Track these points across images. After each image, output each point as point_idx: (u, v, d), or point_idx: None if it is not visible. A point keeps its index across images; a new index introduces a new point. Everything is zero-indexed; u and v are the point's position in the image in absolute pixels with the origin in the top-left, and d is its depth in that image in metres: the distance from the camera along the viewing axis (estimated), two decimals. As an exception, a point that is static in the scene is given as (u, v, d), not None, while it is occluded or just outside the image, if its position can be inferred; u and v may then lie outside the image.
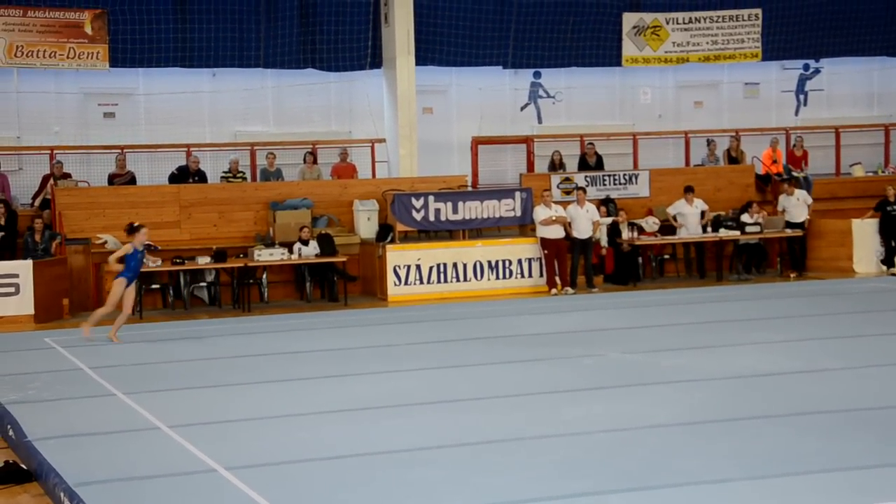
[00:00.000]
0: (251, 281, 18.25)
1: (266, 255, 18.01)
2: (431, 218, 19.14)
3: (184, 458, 8.42)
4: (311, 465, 8.13)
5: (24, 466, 8.50)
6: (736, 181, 21.80)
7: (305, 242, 18.41)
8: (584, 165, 21.96)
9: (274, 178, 20.53)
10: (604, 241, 19.58)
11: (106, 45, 20.51)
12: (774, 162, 22.37)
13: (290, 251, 18.26)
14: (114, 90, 21.45)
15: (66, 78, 21.02)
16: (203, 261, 17.79)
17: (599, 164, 22.00)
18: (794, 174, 21.80)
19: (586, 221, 19.03)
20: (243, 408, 10.22)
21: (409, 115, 21.51)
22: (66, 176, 19.54)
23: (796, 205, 20.28)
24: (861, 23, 23.97)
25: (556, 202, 19.35)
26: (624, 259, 19.63)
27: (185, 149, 20.71)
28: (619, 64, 23.40)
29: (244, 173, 20.70)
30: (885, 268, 19.69)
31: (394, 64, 21.50)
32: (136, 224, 14.45)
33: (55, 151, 20.05)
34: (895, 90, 24.62)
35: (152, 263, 17.34)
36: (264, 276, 18.45)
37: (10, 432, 9.52)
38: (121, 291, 14.00)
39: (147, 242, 14.45)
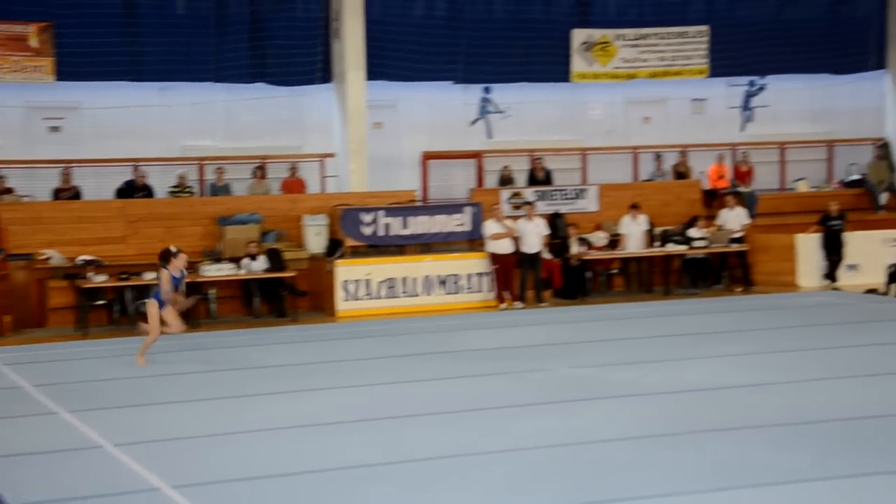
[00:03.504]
0: (199, 296, 18.09)
1: (214, 271, 17.87)
2: (381, 233, 19.11)
3: (127, 476, 8.31)
4: (260, 483, 8.06)
5: (-36, 487, 8.33)
6: (683, 196, 22.01)
7: (254, 257, 18.29)
8: (533, 180, 22.06)
9: (222, 193, 20.38)
10: (548, 254, 19.58)
11: (52, 58, 20.27)
12: (721, 177, 22.62)
13: (239, 266, 18.13)
14: (60, 104, 21.18)
15: (9, 91, 20.73)
16: (150, 276, 17.60)
17: (548, 179, 22.12)
18: (740, 189, 22.05)
19: (535, 236, 19.10)
20: (191, 425, 10.11)
21: (359, 130, 21.47)
22: (9, 191, 19.27)
23: (734, 220, 20.55)
24: (805, 41, 24.29)
25: (506, 217, 19.40)
26: (572, 274, 19.72)
27: (133, 163, 20.51)
28: (568, 79, 23.54)
29: (192, 188, 20.53)
30: (827, 282, 19.94)
31: (344, 79, 21.46)
32: (172, 249, 13.86)
33: (-1, 166, 19.77)
34: (838, 107, 24.96)
35: (96, 278, 17.15)
36: (212, 291, 18.29)
37: (-50, 452, 9.33)
38: (157, 313, 13.48)
39: (183, 268, 13.73)
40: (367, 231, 19.05)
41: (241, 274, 18.13)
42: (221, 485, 8.00)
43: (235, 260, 18.26)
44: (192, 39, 21.15)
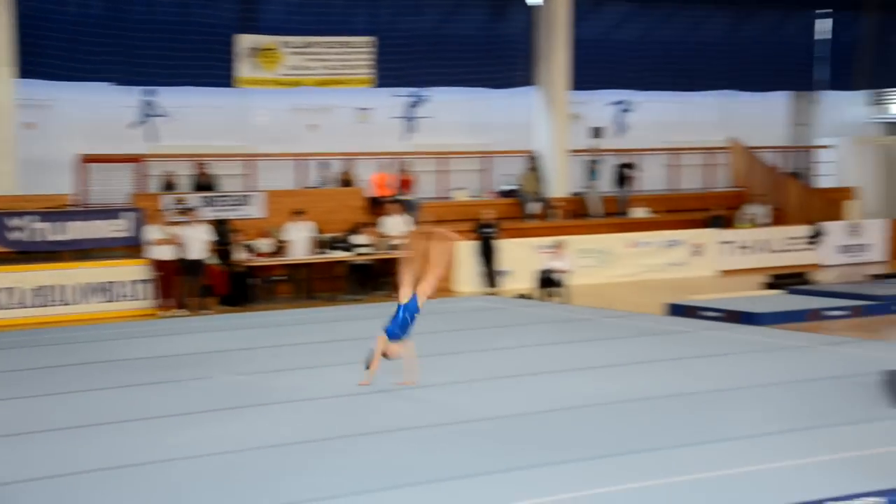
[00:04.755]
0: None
1: None
2: (32, 238, 18.08)
3: None
4: None
5: None
6: (348, 203, 22.31)
7: None
8: (197, 186, 21.65)
9: None
10: (213, 261, 19.29)
11: None
12: (385, 185, 23.13)
13: None
14: None
15: None
16: None
17: (214, 185, 21.79)
18: (402, 197, 22.66)
19: (199, 242, 18.74)
20: None
21: (8, 130, 20.21)
22: None
23: (396, 227, 21.13)
24: (463, 55, 25.26)
25: (168, 223, 18.92)
26: (237, 280, 19.50)
27: None
28: (233, 85, 23.26)
29: None
30: (483, 287, 20.86)
31: (-9, 75, 20.16)
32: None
33: None
34: (495, 120, 26.15)
35: None
36: None
37: None
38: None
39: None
40: (16, 236, 17.97)
41: None
42: None
43: None
44: None
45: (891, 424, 9.71)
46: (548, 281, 19.38)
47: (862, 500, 7.52)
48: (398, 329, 11.35)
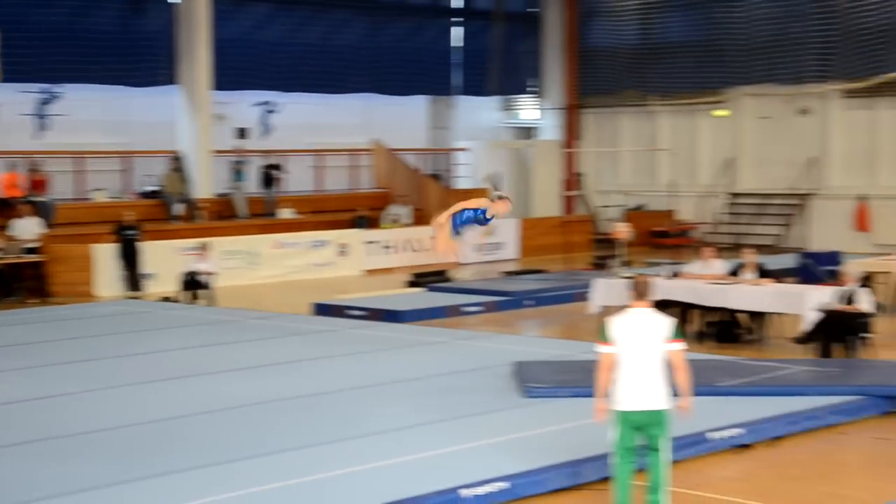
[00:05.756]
0: None
1: None
2: None
3: None
4: None
5: None
6: (-26, 205, 20.88)
7: None
8: None
9: None
10: None
11: None
12: (14, 186, 21.84)
13: None
14: None
15: None
16: None
17: None
18: (34, 199, 21.47)
19: None
20: None
21: None
22: None
23: (28, 230, 20.07)
24: (99, 51, 24.19)
25: None
26: None
27: None
28: None
29: None
30: (126, 291, 20.15)
31: None
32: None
33: None
34: (135, 119, 25.29)
35: None
36: None
37: None
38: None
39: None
40: None
41: None
42: None
43: None
44: None
45: (520, 413, 10.31)
46: (193, 283, 18.99)
47: (490, 486, 7.94)
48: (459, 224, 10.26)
